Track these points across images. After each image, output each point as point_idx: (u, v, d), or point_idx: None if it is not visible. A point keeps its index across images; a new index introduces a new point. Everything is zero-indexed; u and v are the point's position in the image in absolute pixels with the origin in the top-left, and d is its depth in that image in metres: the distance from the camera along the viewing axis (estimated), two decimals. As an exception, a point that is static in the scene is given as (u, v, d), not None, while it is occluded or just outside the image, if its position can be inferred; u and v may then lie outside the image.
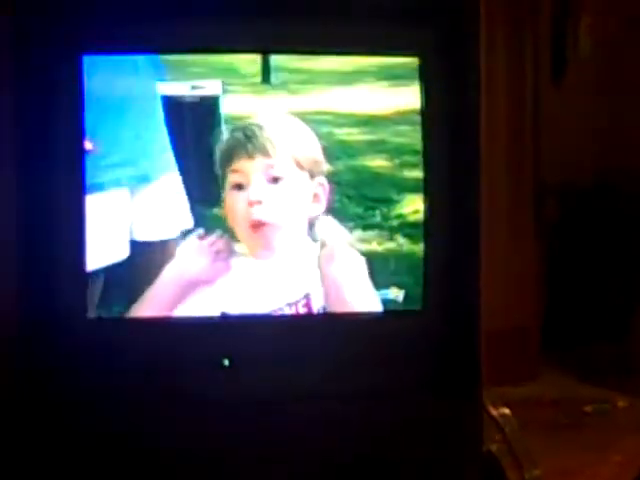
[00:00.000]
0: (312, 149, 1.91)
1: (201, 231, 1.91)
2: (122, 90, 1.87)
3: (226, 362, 1.91)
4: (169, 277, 1.90)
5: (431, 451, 1.97)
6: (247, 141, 1.89)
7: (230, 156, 1.89)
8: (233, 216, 1.90)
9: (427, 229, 1.95)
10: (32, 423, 1.87)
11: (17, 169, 1.86)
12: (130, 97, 1.88)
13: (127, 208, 1.90)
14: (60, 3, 1.84)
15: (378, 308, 1.95)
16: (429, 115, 1.94)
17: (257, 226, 1.90)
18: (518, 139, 3.24)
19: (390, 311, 1.95)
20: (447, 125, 1.95)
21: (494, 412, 2.10)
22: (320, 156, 1.91)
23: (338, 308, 1.93)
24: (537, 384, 3.15)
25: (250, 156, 1.89)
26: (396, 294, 1.96)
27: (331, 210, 1.92)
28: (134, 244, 1.90)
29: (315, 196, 1.92)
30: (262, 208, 1.90)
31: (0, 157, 1.88)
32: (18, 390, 1.86)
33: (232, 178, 1.90)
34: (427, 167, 1.94)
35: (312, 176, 1.91)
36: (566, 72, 3.64)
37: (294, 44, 1.90)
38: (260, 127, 1.90)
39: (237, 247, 1.91)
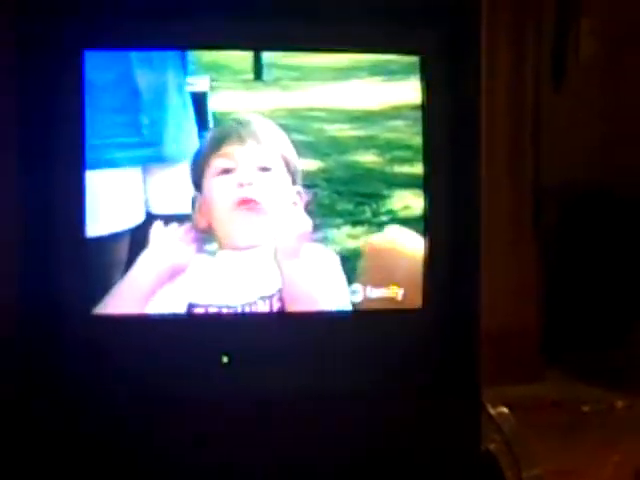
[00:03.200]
0: (295, 157, 1.91)
1: (175, 225, 1.90)
2: (142, 81, 1.89)
3: (225, 359, 1.91)
4: (147, 263, 1.88)
5: (429, 450, 1.97)
6: (240, 127, 1.89)
7: (219, 142, 1.89)
8: (215, 202, 1.88)
9: (427, 228, 1.95)
10: (33, 421, 1.87)
11: (19, 164, 1.86)
12: (148, 88, 1.89)
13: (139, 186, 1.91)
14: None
15: (347, 306, 1.94)
16: (429, 115, 1.94)
17: (245, 203, 1.88)
18: (518, 142, 3.24)
19: (388, 309, 1.96)
20: (447, 124, 1.95)
21: (493, 411, 2.10)
22: (299, 165, 1.91)
23: (297, 305, 1.92)
24: (537, 385, 3.14)
25: (242, 141, 1.89)
26: (395, 292, 1.96)
27: (320, 206, 1.92)
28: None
29: (293, 203, 1.91)
30: (252, 189, 1.89)
31: (2, 153, 1.89)
32: (19, 388, 1.87)
33: (218, 163, 1.89)
34: (427, 166, 1.95)
35: (293, 182, 1.91)
36: (567, 75, 3.64)
37: (291, 42, 1.91)
38: (253, 120, 1.89)
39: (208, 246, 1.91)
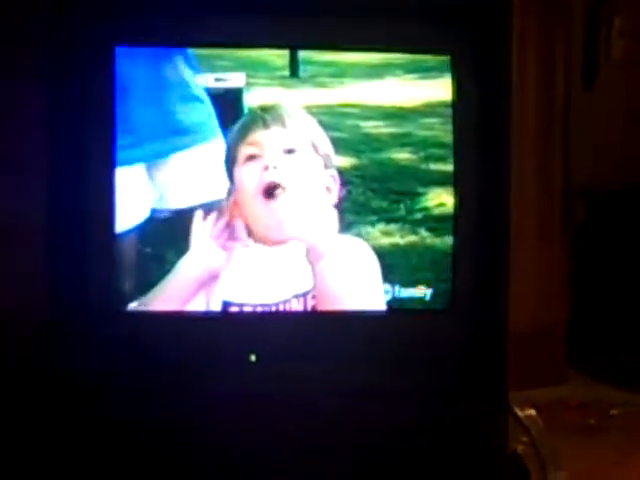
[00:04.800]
0: (326, 141, 1.90)
1: (213, 215, 1.90)
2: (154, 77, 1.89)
3: (253, 358, 1.91)
4: (186, 269, 1.89)
5: (457, 452, 1.96)
6: (264, 113, 1.89)
7: (246, 130, 1.89)
8: (243, 191, 1.88)
9: (456, 227, 1.95)
10: (65, 416, 1.89)
11: (49, 159, 1.88)
12: (164, 83, 1.90)
13: (145, 183, 1.91)
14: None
15: (381, 306, 1.94)
16: (460, 113, 1.94)
17: (271, 189, 1.87)
18: (548, 140, 3.23)
19: (416, 309, 1.95)
20: (478, 122, 1.95)
21: (520, 413, 2.10)
22: (332, 151, 1.90)
23: (328, 305, 1.91)
24: (564, 387, 3.13)
25: (266, 126, 1.89)
26: (423, 292, 1.95)
27: (355, 203, 1.91)
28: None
29: (327, 188, 1.91)
30: (277, 172, 1.88)
31: (33, 149, 1.90)
32: (46, 381, 1.89)
33: (246, 151, 1.89)
34: (457, 164, 1.94)
35: (325, 166, 1.91)
36: (597, 74, 3.62)
37: (324, 40, 1.91)
38: (279, 105, 1.90)
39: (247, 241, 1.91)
